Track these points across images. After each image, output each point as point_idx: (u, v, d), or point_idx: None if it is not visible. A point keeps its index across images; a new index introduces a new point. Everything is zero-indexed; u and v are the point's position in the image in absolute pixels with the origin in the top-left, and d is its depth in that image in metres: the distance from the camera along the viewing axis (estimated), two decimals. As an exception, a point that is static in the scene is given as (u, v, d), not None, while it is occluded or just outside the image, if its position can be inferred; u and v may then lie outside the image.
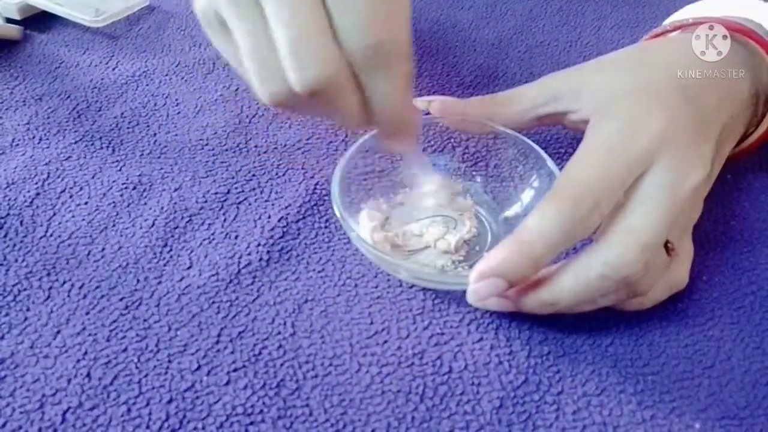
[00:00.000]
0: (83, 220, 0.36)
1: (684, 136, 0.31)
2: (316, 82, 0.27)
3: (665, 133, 0.30)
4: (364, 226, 0.35)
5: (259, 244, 0.35)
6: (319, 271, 0.34)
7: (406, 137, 0.31)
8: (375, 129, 0.31)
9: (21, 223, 0.36)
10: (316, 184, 0.39)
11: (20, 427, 0.27)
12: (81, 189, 0.38)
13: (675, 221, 0.30)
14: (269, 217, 0.37)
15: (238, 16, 0.28)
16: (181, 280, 0.33)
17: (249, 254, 0.35)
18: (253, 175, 0.39)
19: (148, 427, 0.28)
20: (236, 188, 0.38)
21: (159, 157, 0.40)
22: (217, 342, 0.31)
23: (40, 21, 0.51)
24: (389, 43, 0.27)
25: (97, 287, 0.33)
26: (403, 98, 0.29)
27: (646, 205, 0.29)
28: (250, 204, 0.38)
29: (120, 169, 0.39)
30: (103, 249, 0.35)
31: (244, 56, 0.29)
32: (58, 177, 0.38)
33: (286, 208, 0.37)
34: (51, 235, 0.35)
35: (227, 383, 0.29)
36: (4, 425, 0.27)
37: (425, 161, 0.36)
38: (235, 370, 0.30)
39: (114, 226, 0.36)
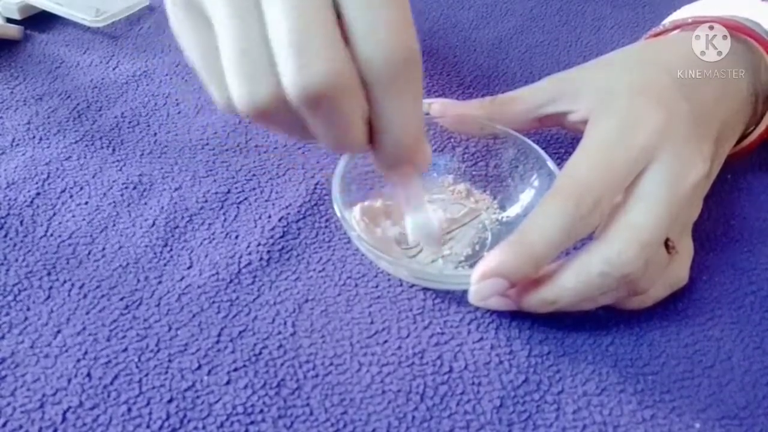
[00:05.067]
0: (83, 219, 0.36)
1: (683, 134, 0.31)
2: (318, 85, 0.22)
3: (664, 131, 0.31)
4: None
5: (259, 244, 0.35)
6: (319, 271, 0.34)
7: (410, 167, 0.27)
8: (372, 152, 0.27)
9: (21, 222, 0.36)
10: (317, 183, 0.39)
11: (21, 427, 0.27)
12: (81, 189, 0.38)
13: (675, 219, 0.30)
14: (269, 216, 0.37)
15: (192, 24, 0.24)
16: (181, 279, 0.33)
17: (249, 254, 0.35)
18: (254, 175, 0.39)
19: (148, 426, 0.28)
20: (236, 188, 0.38)
21: (159, 157, 0.40)
22: (218, 341, 0.31)
23: (40, 21, 0.51)
24: (412, 59, 0.23)
25: (98, 287, 0.33)
26: (418, 123, 0.25)
27: (646, 203, 0.29)
28: (250, 204, 0.38)
29: (120, 169, 0.39)
30: (104, 249, 0.35)
31: (224, 47, 0.23)
32: (59, 177, 0.38)
33: (287, 207, 0.37)
34: (51, 235, 0.35)
35: (228, 383, 0.29)
36: (4, 425, 0.27)
37: (422, 201, 0.31)
38: (235, 369, 0.30)
39: (114, 225, 0.36)
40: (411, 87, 0.24)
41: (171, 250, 0.35)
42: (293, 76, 0.22)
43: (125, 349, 0.30)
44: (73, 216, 0.36)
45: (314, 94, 0.22)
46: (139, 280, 0.33)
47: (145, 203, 0.37)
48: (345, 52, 0.22)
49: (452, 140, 0.39)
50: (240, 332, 0.31)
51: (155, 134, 0.42)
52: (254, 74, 0.23)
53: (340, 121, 0.23)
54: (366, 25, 0.22)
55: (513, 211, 0.37)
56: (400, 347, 0.31)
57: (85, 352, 0.30)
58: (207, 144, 0.41)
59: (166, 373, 0.29)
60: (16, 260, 0.34)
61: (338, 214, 0.33)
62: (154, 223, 0.36)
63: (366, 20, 0.22)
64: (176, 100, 0.45)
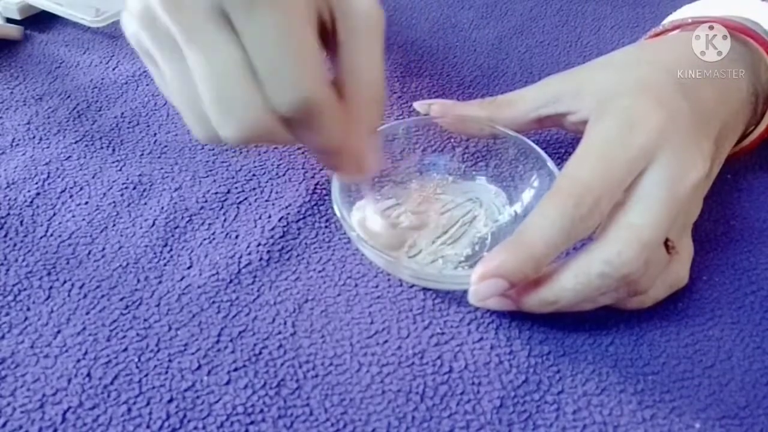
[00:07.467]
0: (83, 219, 0.36)
1: (683, 134, 0.31)
2: (240, 136, 0.26)
3: (664, 131, 0.30)
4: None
5: (259, 244, 0.35)
6: (319, 271, 0.34)
7: (353, 172, 0.31)
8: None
9: (21, 222, 0.36)
10: (316, 184, 0.39)
11: (21, 427, 0.27)
12: (81, 189, 0.38)
13: (675, 219, 0.30)
14: (269, 216, 0.37)
15: (162, 56, 0.27)
16: (181, 279, 0.33)
17: (249, 254, 0.35)
18: (254, 175, 0.39)
19: (148, 426, 0.28)
20: (236, 188, 0.38)
21: (159, 157, 0.40)
22: (218, 341, 0.31)
23: (40, 21, 0.51)
24: (314, 99, 0.26)
25: (98, 287, 0.33)
26: (339, 144, 0.29)
27: (646, 203, 0.29)
28: (250, 204, 0.38)
29: (120, 169, 0.39)
30: (104, 249, 0.35)
31: (173, 94, 0.28)
32: (59, 177, 0.38)
33: (287, 207, 0.37)
34: (51, 235, 0.35)
35: (228, 383, 0.29)
36: (4, 425, 0.27)
37: (372, 193, 0.36)
38: (235, 369, 0.30)
39: (114, 225, 0.36)
40: (318, 122, 0.27)
41: (171, 250, 0.35)
42: (220, 131, 0.26)
43: (125, 349, 0.30)
44: (73, 216, 0.36)
45: (238, 142, 0.27)
46: (139, 280, 0.33)
47: (145, 203, 0.37)
48: (260, 105, 0.26)
49: (452, 140, 0.39)
50: (240, 332, 0.31)
51: (155, 134, 0.42)
52: (195, 121, 0.27)
53: (273, 146, 0.30)
54: (270, 77, 0.25)
55: (513, 211, 0.37)
56: (400, 347, 0.31)
57: (85, 352, 0.30)
58: (207, 144, 0.41)
59: (166, 373, 0.29)
60: (16, 260, 0.34)
61: (338, 214, 0.33)
62: (154, 223, 0.36)
63: (270, 72, 0.25)
64: (176, 100, 0.45)
